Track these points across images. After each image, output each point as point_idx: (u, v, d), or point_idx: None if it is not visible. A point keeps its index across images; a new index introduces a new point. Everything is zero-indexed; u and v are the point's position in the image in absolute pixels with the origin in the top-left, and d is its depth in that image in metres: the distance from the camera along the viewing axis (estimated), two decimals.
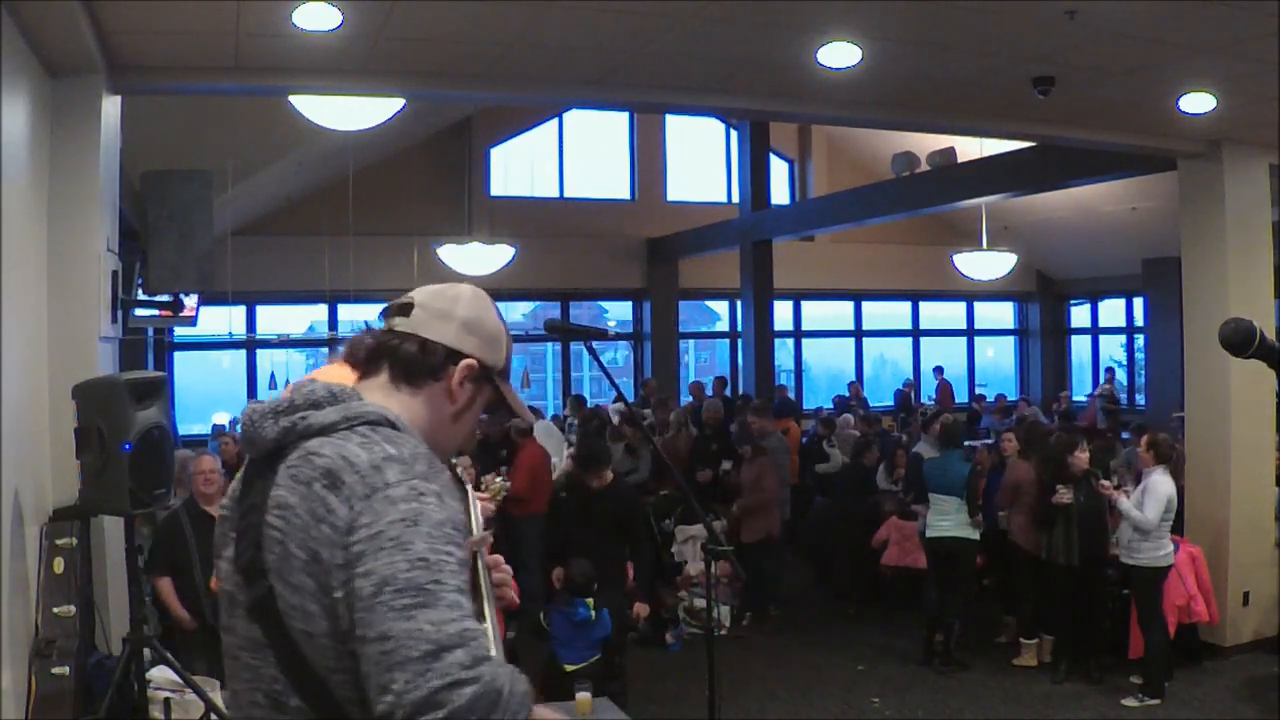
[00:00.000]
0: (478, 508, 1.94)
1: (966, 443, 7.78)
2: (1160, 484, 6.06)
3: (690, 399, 12.87)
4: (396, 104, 6.21)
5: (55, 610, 4.12)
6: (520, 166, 15.07)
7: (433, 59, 5.06)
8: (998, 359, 18.47)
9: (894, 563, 7.97)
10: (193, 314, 8.77)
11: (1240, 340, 1.93)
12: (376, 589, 1.24)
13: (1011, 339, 18.28)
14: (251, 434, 1.47)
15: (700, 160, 16.10)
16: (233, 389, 13.54)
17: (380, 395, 1.53)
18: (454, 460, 1.90)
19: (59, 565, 4.17)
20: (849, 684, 6.57)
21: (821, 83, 5.44)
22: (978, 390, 16.74)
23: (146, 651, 4.11)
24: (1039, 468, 6.73)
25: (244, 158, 8.58)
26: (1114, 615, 6.67)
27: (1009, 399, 15.86)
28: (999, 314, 18.17)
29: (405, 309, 1.59)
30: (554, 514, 7.64)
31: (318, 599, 1.32)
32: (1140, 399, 15.14)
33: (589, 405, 11.70)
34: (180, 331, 12.24)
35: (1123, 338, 17.17)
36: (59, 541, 4.20)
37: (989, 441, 9.51)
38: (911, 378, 16.90)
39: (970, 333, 17.83)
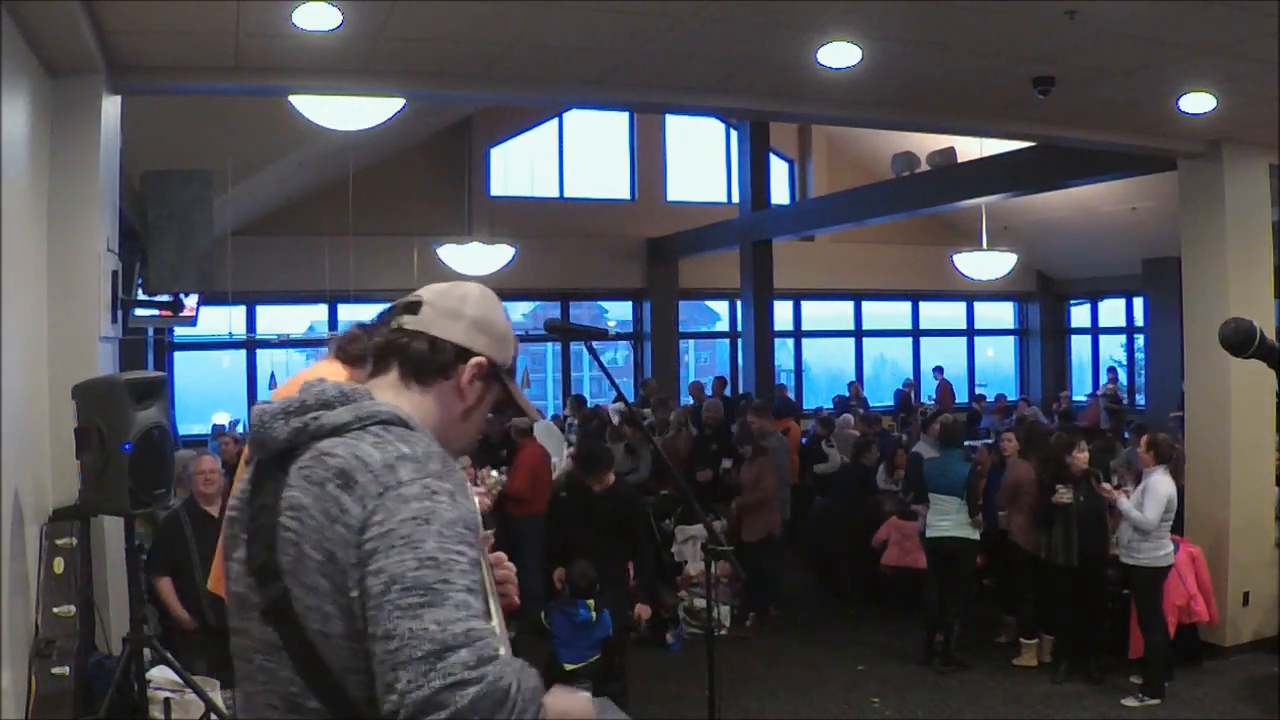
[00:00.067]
0: (475, 504, 1.94)
1: (966, 443, 7.78)
2: (1160, 484, 6.06)
3: (690, 399, 12.87)
4: (396, 104, 6.21)
5: (55, 610, 4.12)
6: (520, 166, 15.07)
7: (433, 59, 5.06)
8: (998, 359, 18.48)
9: (894, 563, 7.97)
10: (193, 314, 8.78)
11: (1240, 340, 1.93)
12: (385, 587, 1.24)
13: (1011, 339, 18.28)
14: (262, 435, 1.46)
15: (700, 160, 16.10)
16: (233, 389, 13.54)
17: (390, 394, 1.53)
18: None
19: (59, 565, 4.17)
20: (849, 684, 6.57)
21: (821, 83, 5.44)
22: (978, 390, 16.74)
23: (146, 651, 4.11)
24: (1039, 468, 6.73)
25: (244, 158, 8.58)
26: (1114, 615, 6.67)
27: (1009, 399, 15.86)
28: (999, 314, 18.18)
29: (413, 307, 1.59)
30: (554, 514, 7.64)
31: (334, 600, 1.31)
32: (1140, 399, 15.13)
33: (589, 405, 11.71)
34: (180, 331, 12.24)
35: (1123, 338, 17.18)
36: (59, 541, 4.20)
37: (989, 441, 9.52)
38: (911, 378, 16.91)
39: (970, 333, 17.83)
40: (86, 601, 4.31)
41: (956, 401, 15.41)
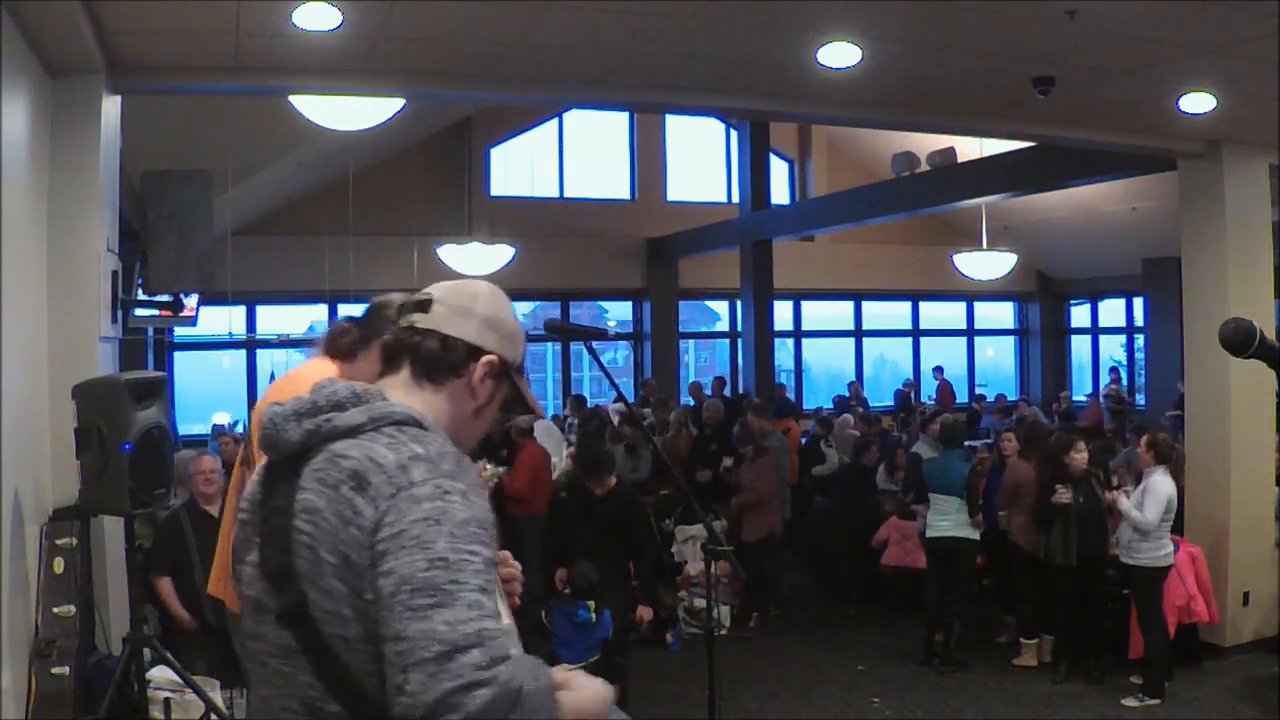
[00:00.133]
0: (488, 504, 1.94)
1: (966, 443, 7.78)
2: (1160, 484, 6.06)
3: (690, 399, 12.88)
4: (396, 104, 6.21)
5: (55, 610, 4.11)
6: (520, 166, 15.08)
7: (433, 59, 5.06)
8: (998, 359, 18.48)
9: (894, 563, 7.97)
10: (193, 314, 8.77)
11: (1240, 340, 1.93)
12: (395, 588, 1.24)
13: (1011, 339, 18.29)
14: (274, 437, 1.45)
15: (700, 160, 16.10)
16: (233, 389, 13.55)
17: (402, 393, 1.52)
18: None
19: (59, 565, 4.17)
20: (849, 684, 6.57)
21: (821, 83, 5.44)
22: (978, 390, 16.75)
23: (146, 651, 4.11)
24: (1039, 468, 6.73)
25: (244, 158, 8.58)
26: (1114, 615, 6.67)
27: (1009, 399, 15.87)
28: (999, 314, 18.19)
29: (424, 305, 1.58)
30: (554, 514, 7.64)
31: (351, 603, 1.30)
32: (1140, 399, 15.14)
33: (589, 405, 11.71)
34: (180, 331, 12.24)
35: (1123, 338, 17.18)
36: (59, 541, 4.20)
37: (989, 441, 9.52)
38: (911, 378, 16.91)
39: (970, 333, 17.84)
40: (86, 601, 4.31)
41: (956, 401, 15.42)
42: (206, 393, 14.04)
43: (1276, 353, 1.94)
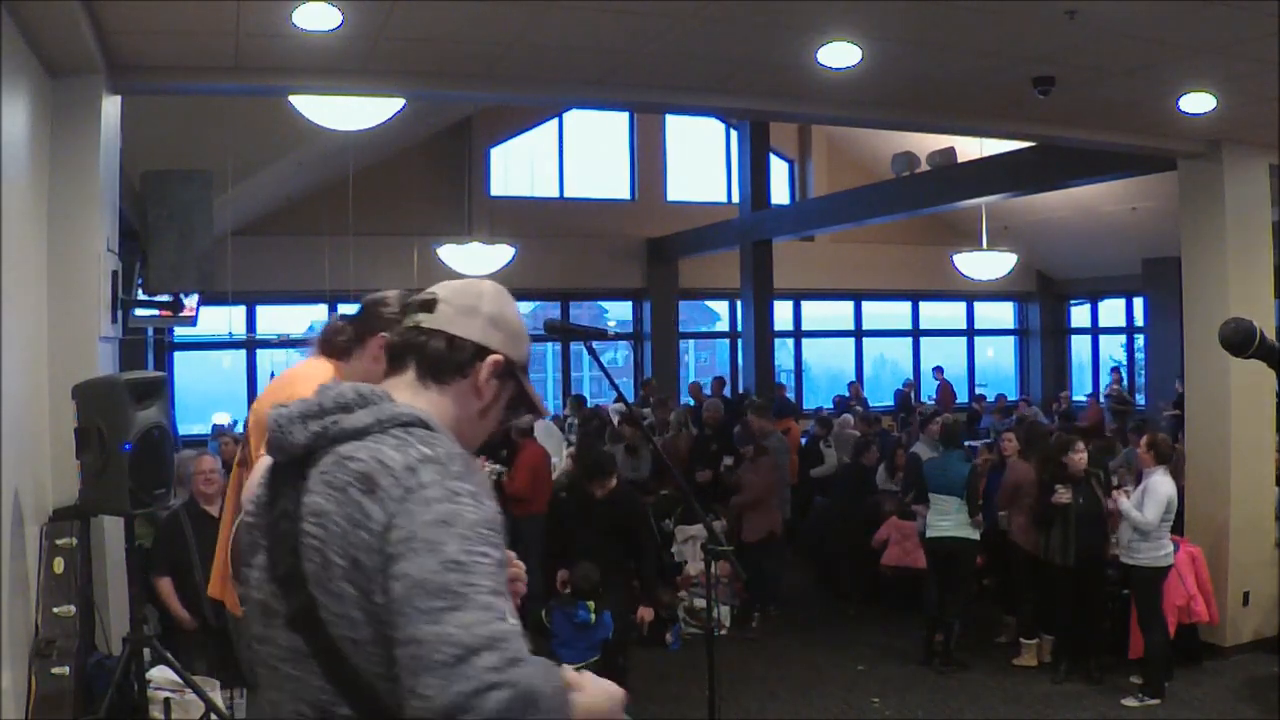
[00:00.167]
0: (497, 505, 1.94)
1: (966, 443, 7.78)
2: (1160, 485, 6.06)
3: (690, 399, 12.88)
4: (396, 104, 6.21)
5: (55, 610, 4.11)
6: (520, 166, 15.08)
7: (433, 59, 5.06)
8: (998, 359, 18.49)
9: (894, 563, 7.97)
10: (193, 314, 8.77)
11: (1240, 340, 1.93)
12: (407, 591, 1.23)
13: (1011, 339, 18.29)
14: (280, 440, 1.44)
15: (700, 160, 16.11)
16: (233, 389, 13.54)
17: (408, 394, 1.51)
18: None
19: (59, 565, 4.17)
20: (849, 684, 6.57)
21: (821, 83, 5.44)
22: (978, 390, 16.75)
23: (146, 651, 4.11)
24: (1039, 468, 6.74)
25: (244, 158, 8.58)
26: (1114, 615, 6.67)
27: (1009, 399, 15.88)
28: (999, 314, 18.19)
29: (429, 305, 1.57)
30: (554, 514, 7.64)
31: (361, 606, 1.29)
32: (1140, 399, 15.14)
33: (589, 405, 11.71)
34: (180, 331, 12.24)
35: (1123, 338, 17.18)
36: (59, 541, 4.20)
37: (988, 441, 9.52)
38: (911, 378, 16.92)
39: (970, 333, 17.84)
40: (86, 601, 4.31)
41: (956, 401, 15.42)
42: (206, 393, 14.04)
43: (1276, 353, 1.94)
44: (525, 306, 15.32)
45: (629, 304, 16.03)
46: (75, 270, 4.47)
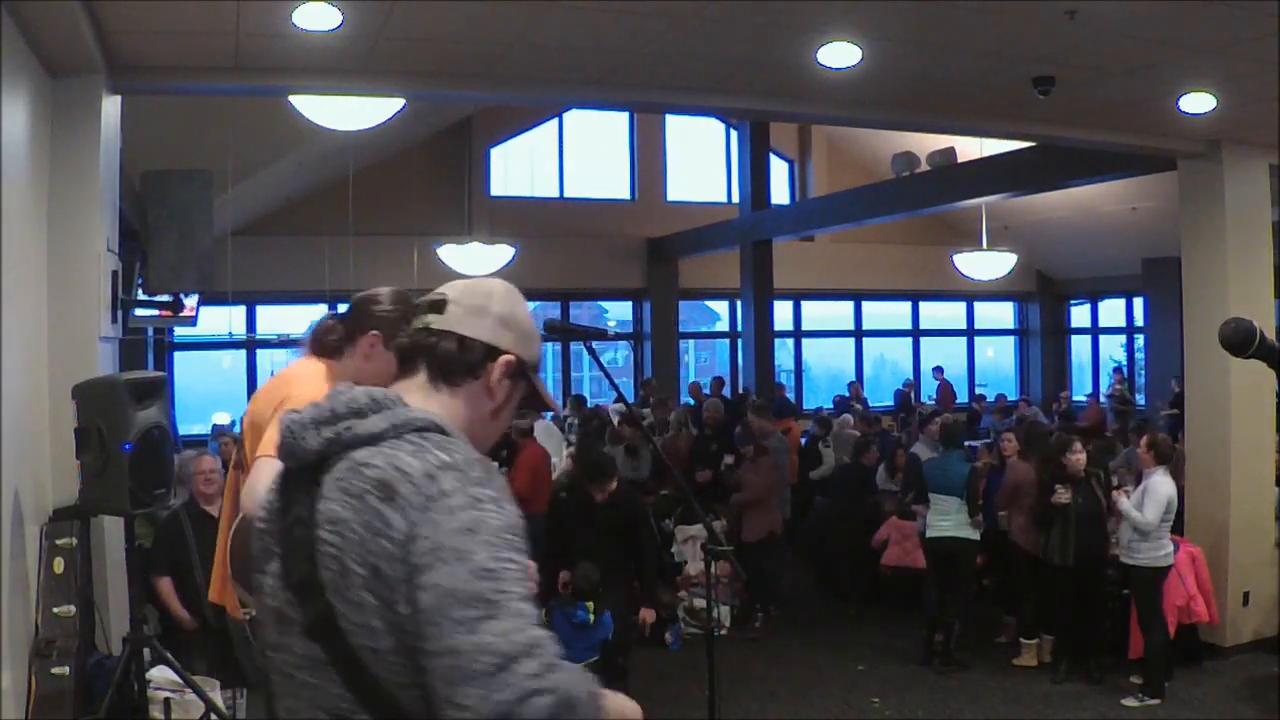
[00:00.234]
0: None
1: (966, 443, 7.78)
2: (1160, 485, 6.06)
3: (690, 399, 12.88)
4: (396, 104, 6.21)
5: (55, 610, 4.11)
6: (520, 166, 15.08)
7: (433, 59, 5.06)
8: (998, 359, 18.49)
9: (894, 563, 7.97)
10: (193, 314, 8.77)
11: (1240, 340, 1.93)
12: (439, 602, 1.22)
13: (1011, 339, 18.30)
14: (292, 446, 1.42)
15: (700, 160, 16.11)
16: (233, 389, 13.55)
17: (419, 396, 1.49)
18: None
19: (59, 565, 4.17)
20: (849, 684, 6.57)
21: (821, 83, 5.44)
22: (978, 390, 16.75)
23: (146, 651, 4.11)
24: (1039, 468, 6.74)
25: (244, 158, 8.58)
26: (1114, 615, 6.67)
27: (1009, 399, 15.88)
28: (999, 314, 18.19)
29: (438, 305, 1.55)
30: (554, 514, 7.64)
31: (381, 615, 1.28)
32: (1141, 399, 15.14)
33: (589, 405, 11.71)
34: (180, 331, 12.25)
35: (1123, 338, 17.19)
36: (59, 541, 4.20)
37: (988, 441, 9.52)
38: (911, 378, 16.92)
39: (970, 333, 17.84)
40: (86, 601, 4.31)
41: (957, 401, 15.42)
42: (206, 393, 14.05)
43: (1276, 353, 1.94)
44: None
45: (629, 304, 16.04)
46: (75, 270, 4.47)
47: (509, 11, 4.39)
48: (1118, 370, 16.20)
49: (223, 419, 11.40)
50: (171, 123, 7.15)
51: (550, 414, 10.58)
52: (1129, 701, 6.04)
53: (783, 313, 15.73)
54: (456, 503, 1.29)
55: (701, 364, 17.99)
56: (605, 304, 16.91)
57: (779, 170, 15.89)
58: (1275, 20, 4.40)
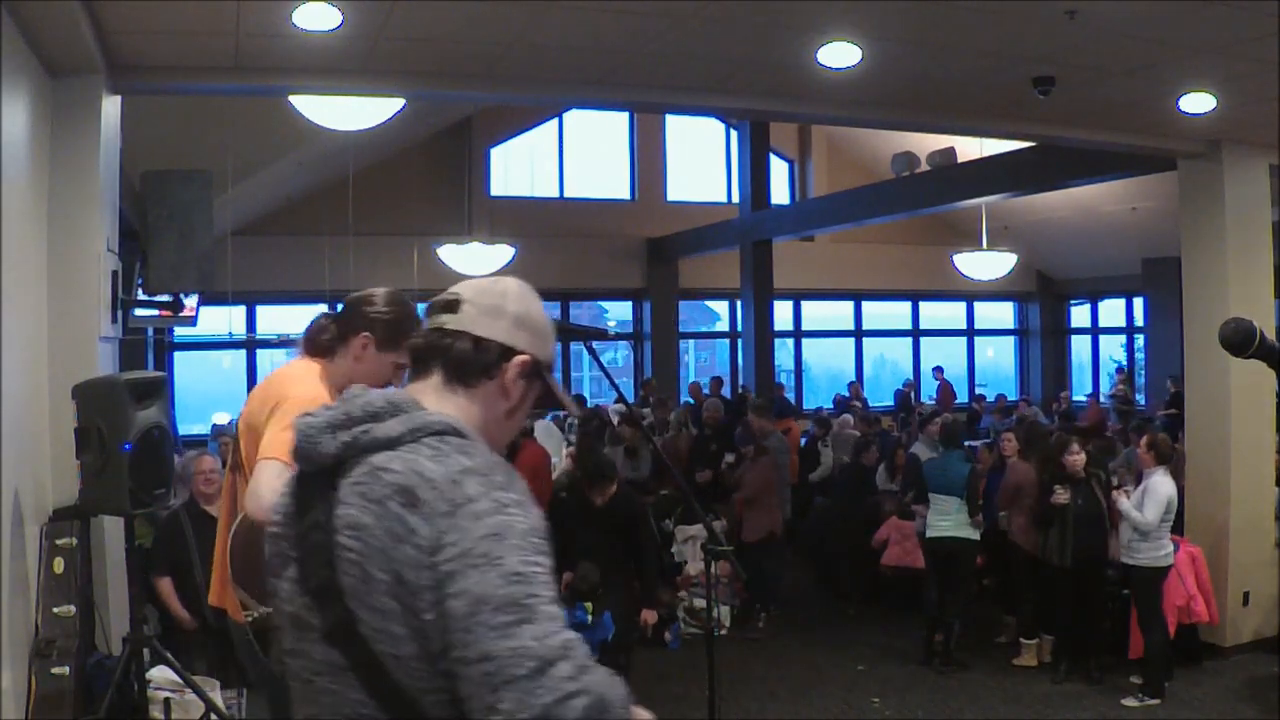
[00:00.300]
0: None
1: (966, 443, 7.78)
2: (1161, 485, 6.06)
3: (690, 399, 12.88)
4: (396, 104, 6.21)
5: (55, 610, 4.11)
6: (520, 166, 15.08)
7: (433, 59, 5.06)
8: (998, 359, 18.49)
9: (894, 563, 7.97)
10: (193, 314, 8.77)
11: (1240, 340, 1.93)
12: (472, 608, 1.21)
13: (1011, 339, 18.30)
14: (307, 450, 1.41)
15: (700, 160, 16.11)
16: (233, 389, 13.54)
17: (434, 398, 1.48)
18: None
19: (59, 565, 4.17)
20: (849, 684, 6.57)
21: (821, 83, 5.44)
22: (978, 390, 16.75)
23: (146, 651, 4.11)
24: (1039, 468, 6.74)
25: (244, 158, 8.58)
26: (1114, 615, 6.67)
27: (1009, 399, 15.87)
28: (999, 314, 18.19)
29: (452, 306, 1.53)
30: (554, 515, 7.63)
31: (405, 621, 1.27)
32: (1141, 399, 15.15)
33: (588, 405, 11.70)
34: (180, 331, 12.25)
35: (1123, 338, 17.18)
36: (59, 541, 4.20)
37: (988, 441, 9.52)
38: (911, 378, 16.92)
39: (970, 333, 17.84)
40: (86, 601, 4.31)
41: (956, 401, 15.42)
42: (206, 393, 14.05)
43: (1276, 353, 1.94)
44: None
45: (629, 304, 16.04)
46: (75, 270, 4.47)
47: (509, 11, 4.39)
48: (1120, 370, 16.20)
49: (222, 419, 11.39)
50: (171, 123, 7.15)
51: (552, 414, 10.60)
52: (1129, 701, 6.04)
53: (783, 313, 15.73)
54: (482, 508, 1.28)
55: (701, 364, 17.99)
56: (605, 304, 16.91)
57: (779, 170, 15.89)
58: (1275, 20, 4.40)
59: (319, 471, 1.41)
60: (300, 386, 2.78)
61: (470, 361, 1.50)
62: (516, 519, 1.29)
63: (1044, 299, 17.40)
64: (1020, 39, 4.84)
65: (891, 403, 15.82)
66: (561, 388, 1.65)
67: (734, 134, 15.19)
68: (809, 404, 15.86)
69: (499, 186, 14.74)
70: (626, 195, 15.68)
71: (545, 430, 9.50)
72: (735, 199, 14.86)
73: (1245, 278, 6.87)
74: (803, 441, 10.85)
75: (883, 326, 17.41)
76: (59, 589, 4.16)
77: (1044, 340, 17.55)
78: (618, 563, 5.78)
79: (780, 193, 15.81)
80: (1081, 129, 6.48)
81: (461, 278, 1.63)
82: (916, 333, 17.50)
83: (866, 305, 17.05)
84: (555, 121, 15.02)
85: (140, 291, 5.60)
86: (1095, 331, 17.50)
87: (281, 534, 1.45)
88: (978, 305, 17.72)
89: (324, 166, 10.93)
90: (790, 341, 16.74)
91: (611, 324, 16.42)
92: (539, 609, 1.23)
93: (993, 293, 16.75)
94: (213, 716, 4.22)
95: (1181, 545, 6.50)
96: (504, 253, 11.19)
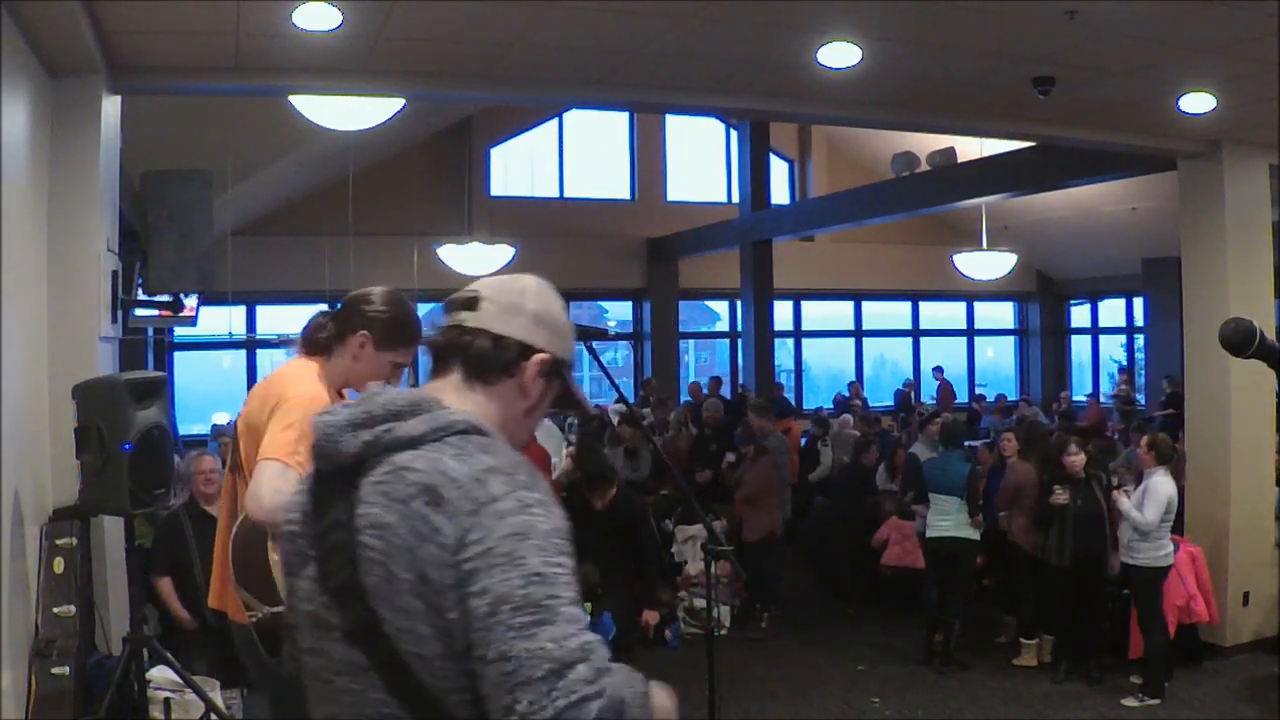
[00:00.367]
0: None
1: (966, 443, 7.78)
2: (1161, 485, 6.06)
3: (690, 399, 12.88)
4: (396, 104, 6.21)
5: (55, 610, 4.11)
6: (520, 166, 15.08)
7: (433, 59, 5.06)
8: (998, 359, 18.49)
9: (895, 563, 7.97)
10: (193, 314, 8.77)
11: (1240, 340, 1.93)
12: (492, 608, 1.21)
13: (1011, 339, 18.29)
14: (328, 448, 1.40)
15: (700, 160, 16.11)
16: (233, 389, 13.54)
17: (454, 396, 1.47)
18: None
19: (59, 565, 4.17)
20: (849, 684, 6.57)
21: (821, 83, 5.44)
22: (978, 390, 16.75)
23: (146, 651, 4.11)
24: (1039, 468, 6.74)
25: (244, 158, 8.58)
26: (1114, 615, 6.67)
27: (1009, 399, 15.87)
28: (999, 314, 18.19)
29: (471, 303, 1.52)
30: None
31: (430, 621, 1.27)
32: (1141, 399, 15.15)
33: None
34: (180, 331, 12.24)
35: (1123, 338, 17.18)
36: (59, 541, 4.20)
37: (988, 441, 9.53)
38: (911, 378, 16.92)
39: (970, 333, 17.84)
40: (86, 601, 4.31)
41: (956, 401, 15.42)
42: (206, 393, 14.04)
43: (1276, 353, 1.94)
44: None
45: (629, 304, 16.04)
46: (75, 270, 4.47)
47: (509, 11, 4.39)
48: (1123, 370, 16.20)
49: (222, 419, 11.39)
50: (171, 123, 7.15)
51: (553, 414, 10.58)
52: (1129, 701, 6.04)
53: (783, 313, 15.73)
54: (506, 507, 1.28)
55: (701, 364, 17.99)
56: (605, 304, 16.91)
57: (779, 170, 15.89)
58: (1275, 20, 4.39)
59: (338, 470, 1.39)
60: (299, 386, 2.77)
61: (490, 359, 1.49)
62: (539, 519, 1.28)
63: (1044, 299, 17.40)
64: (1020, 39, 4.84)
65: (891, 403, 15.82)
66: (580, 388, 1.65)
67: (734, 134, 15.19)
68: (809, 404, 15.86)
69: (499, 186, 14.74)
70: (626, 195, 15.68)
71: (545, 430, 9.49)
72: (735, 199, 14.86)
73: (1245, 278, 6.87)
74: (803, 441, 10.84)
75: (883, 326, 17.41)
76: (59, 589, 4.16)
77: (1044, 340, 17.55)
78: (618, 563, 5.79)
79: (780, 193, 15.81)
80: (1081, 129, 6.48)
81: (461, 277, 1.63)
82: (916, 333, 17.50)
83: (866, 305, 17.05)
84: (555, 121, 15.02)
85: (140, 291, 5.60)
86: (1095, 331, 17.50)
87: (299, 532, 1.44)
88: (978, 305, 17.72)
89: (324, 166, 10.93)
90: (790, 341, 16.74)
91: (611, 324, 16.42)
92: (559, 610, 1.22)
93: (993, 293, 16.75)
94: (213, 716, 4.22)
95: (1181, 545, 6.50)
96: (504, 253, 11.19)
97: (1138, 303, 15.91)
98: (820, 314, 17.17)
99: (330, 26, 4.36)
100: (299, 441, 2.61)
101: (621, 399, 3.04)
